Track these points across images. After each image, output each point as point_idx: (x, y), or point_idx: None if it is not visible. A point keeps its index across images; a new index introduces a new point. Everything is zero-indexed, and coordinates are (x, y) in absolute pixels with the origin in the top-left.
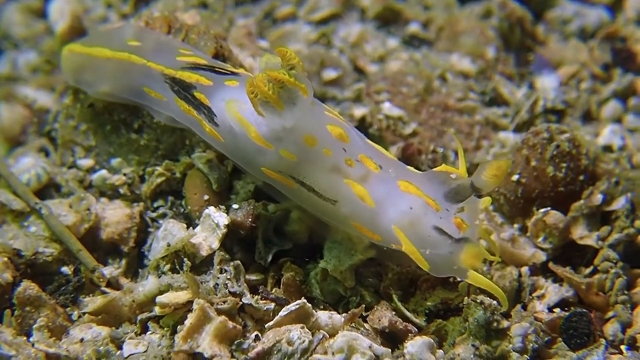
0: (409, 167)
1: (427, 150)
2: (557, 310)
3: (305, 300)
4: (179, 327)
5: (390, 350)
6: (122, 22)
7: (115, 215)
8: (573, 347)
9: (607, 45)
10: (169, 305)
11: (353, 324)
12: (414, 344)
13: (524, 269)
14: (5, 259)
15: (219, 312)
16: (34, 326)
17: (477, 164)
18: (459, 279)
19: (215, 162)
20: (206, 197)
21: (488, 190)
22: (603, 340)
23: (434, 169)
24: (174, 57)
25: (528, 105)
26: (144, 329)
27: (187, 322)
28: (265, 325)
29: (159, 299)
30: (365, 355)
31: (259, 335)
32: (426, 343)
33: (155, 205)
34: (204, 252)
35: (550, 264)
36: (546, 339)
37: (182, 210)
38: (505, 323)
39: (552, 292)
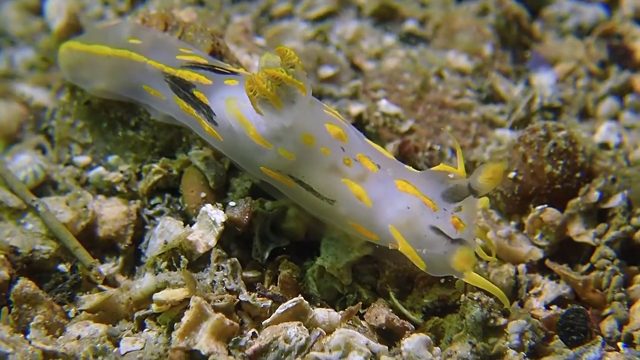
0: (407, 166)
1: (423, 148)
2: (554, 307)
3: (302, 298)
4: (176, 324)
5: (387, 347)
6: (118, 20)
7: (112, 213)
8: (570, 344)
9: (604, 42)
10: (165, 303)
11: (350, 322)
12: (411, 341)
13: (521, 267)
14: (2, 256)
15: (216, 309)
16: (31, 324)
17: (474, 162)
18: (455, 276)
19: (212, 160)
20: (203, 194)
21: (485, 193)
22: (600, 338)
23: (432, 168)
24: (174, 55)
25: (525, 103)
26: (141, 327)
27: (184, 320)
28: (263, 323)
29: (156, 296)
30: (362, 353)
31: (256, 332)
32: (423, 340)
33: (152, 202)
34: (201, 250)
35: (547, 262)
36: (543, 336)
37: (179, 207)
38: (502, 320)
39: (549, 289)
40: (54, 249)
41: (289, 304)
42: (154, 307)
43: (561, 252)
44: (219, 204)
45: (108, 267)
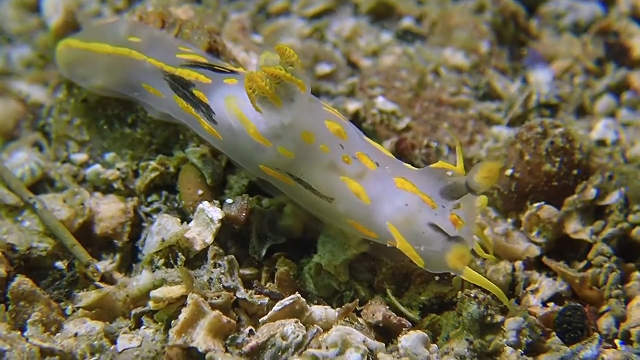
0: (406, 164)
1: (420, 145)
2: (551, 304)
3: (299, 295)
4: (173, 321)
5: (384, 344)
6: (116, 18)
7: (109, 210)
8: (567, 341)
9: (601, 40)
10: (163, 300)
11: (347, 319)
12: (408, 339)
13: (518, 264)
14: (0, 254)
15: (213, 306)
16: (29, 321)
17: (471, 159)
18: (452, 274)
19: (209, 157)
20: (200, 192)
21: (483, 191)
22: (597, 335)
23: (431, 166)
24: (174, 54)
25: (522, 100)
26: (138, 324)
27: (182, 317)
28: (260, 320)
29: (153, 293)
30: (359, 350)
31: (254, 330)
32: (420, 337)
33: (150, 200)
34: (198, 247)
35: (544, 259)
36: (540, 333)
37: (177, 205)
38: (499, 318)
39: (546, 286)
40: (51, 246)
41: (286, 301)
42: (151, 305)
43: (558, 249)
44: (217, 202)
45: (105, 265)
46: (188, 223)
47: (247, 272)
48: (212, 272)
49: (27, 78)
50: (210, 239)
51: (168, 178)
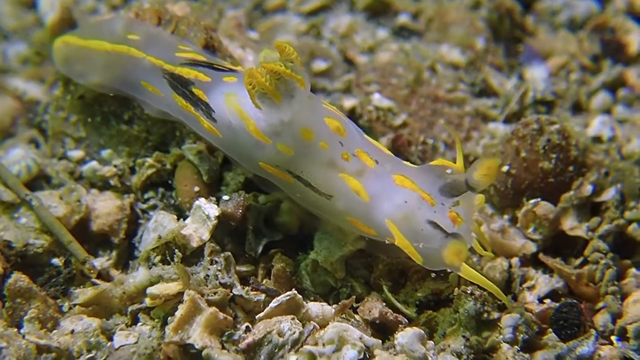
0: (405, 162)
1: (417, 142)
2: (547, 301)
3: (295, 292)
4: (169, 318)
5: (380, 341)
6: (112, 14)
7: (105, 207)
8: (563, 337)
9: (597, 36)
10: (159, 297)
11: (343, 315)
12: (405, 335)
13: (514, 260)
14: None
15: (210, 303)
16: (25, 318)
17: (467, 156)
18: (449, 270)
19: (205, 154)
20: (197, 188)
21: (482, 188)
22: (593, 331)
23: (430, 163)
24: (173, 52)
25: (517, 97)
26: (135, 321)
27: (178, 314)
28: (256, 317)
29: (150, 290)
30: (355, 346)
31: (250, 326)
32: (417, 334)
33: (146, 196)
34: (195, 244)
35: (541, 255)
36: (536, 329)
37: (173, 201)
38: (495, 314)
39: (543, 283)
40: (47, 243)
41: (283, 297)
42: (147, 301)
43: (554, 245)
44: (213, 198)
45: (102, 261)
46: (184, 219)
47: (243, 268)
48: (209, 269)
49: (23, 74)
50: (206, 236)
51: (164, 175)
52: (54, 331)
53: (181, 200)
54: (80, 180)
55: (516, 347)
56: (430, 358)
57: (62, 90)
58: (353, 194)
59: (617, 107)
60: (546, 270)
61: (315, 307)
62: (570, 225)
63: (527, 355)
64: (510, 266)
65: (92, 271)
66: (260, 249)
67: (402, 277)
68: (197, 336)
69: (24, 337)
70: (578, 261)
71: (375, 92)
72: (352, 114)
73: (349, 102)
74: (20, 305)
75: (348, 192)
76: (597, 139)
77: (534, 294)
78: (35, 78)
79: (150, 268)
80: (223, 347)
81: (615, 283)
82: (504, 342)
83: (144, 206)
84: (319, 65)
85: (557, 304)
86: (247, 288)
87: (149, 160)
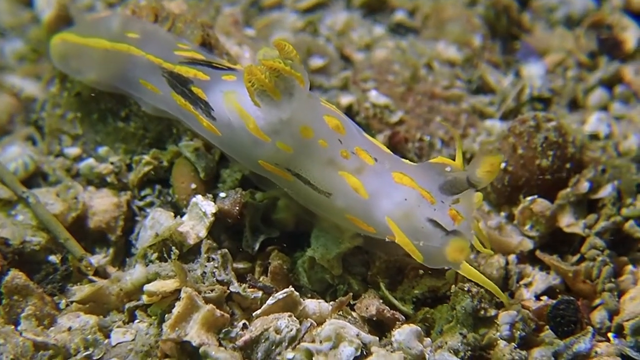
0: (404, 160)
1: (413, 139)
2: (544, 298)
3: (292, 289)
4: (166, 315)
5: (377, 338)
6: (108, 11)
7: (102, 204)
8: (560, 334)
9: (593, 33)
10: (156, 294)
11: (341, 312)
12: (402, 332)
13: (511, 257)
14: None
15: (207, 300)
16: (22, 315)
17: (463, 153)
18: (446, 267)
19: (202, 151)
20: (193, 185)
21: (484, 185)
22: (590, 328)
23: (430, 160)
24: (172, 50)
25: (514, 93)
26: (132, 318)
27: (175, 311)
28: (253, 314)
29: (147, 287)
30: (352, 344)
31: (247, 323)
32: (414, 331)
33: (143, 193)
34: (192, 241)
35: (537, 252)
36: (533, 326)
37: (170, 198)
38: (492, 311)
39: (539, 280)
40: (44, 240)
41: (280, 295)
42: (144, 299)
43: (551, 242)
44: (210, 195)
45: (98, 259)
46: (181, 217)
47: (240, 265)
48: (206, 266)
49: (19, 72)
50: (203, 233)
51: (161, 172)
52: (51, 328)
53: (178, 197)
54: (77, 178)
55: (513, 344)
56: (427, 355)
57: (58, 88)
58: (352, 191)
59: (613, 103)
60: (543, 267)
61: (313, 304)
62: (567, 222)
63: (524, 352)
64: (507, 263)
65: (89, 268)
66: (257, 246)
67: (399, 274)
68: (194, 333)
69: (21, 334)
70: (575, 258)
71: (372, 89)
72: (349, 111)
73: (345, 99)
74: (17, 303)
75: (347, 189)
76: (594, 136)
77: (531, 291)
78: (32, 75)
79: (147, 265)
80: (220, 345)
81: (612, 280)
82: (501, 339)
83: (141, 203)
84: (316, 62)
85: (554, 301)
86: (244, 285)
87: (146, 158)
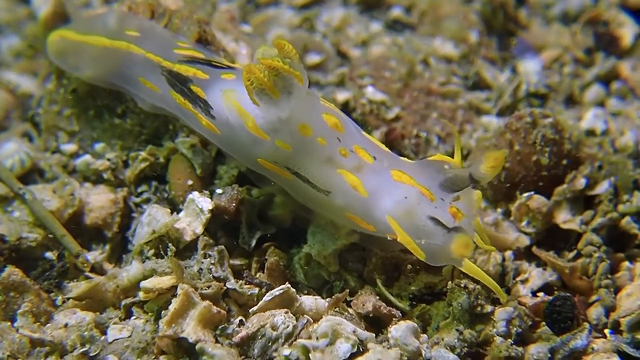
0: (403, 158)
1: (410, 135)
2: (540, 294)
3: (289, 285)
4: (163, 312)
5: (374, 334)
6: (105, 8)
7: (99, 201)
8: (557, 331)
9: (590, 29)
10: (153, 290)
11: (337, 309)
12: (398, 329)
13: (508, 253)
14: None
15: (203, 297)
16: (18, 311)
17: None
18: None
19: (199, 147)
20: (190, 182)
21: (487, 181)
22: (587, 324)
23: (429, 158)
24: (171, 49)
25: (511, 90)
26: (128, 314)
27: (172, 307)
28: (250, 310)
29: (143, 284)
30: (349, 340)
31: (243, 320)
32: (410, 327)
33: (139, 190)
34: (188, 237)
35: (534, 248)
36: (530, 323)
37: (166, 195)
38: (489, 307)
39: (536, 276)
40: (41, 236)
41: (276, 291)
42: (141, 295)
43: (548, 239)
44: (206, 192)
45: (95, 255)
46: (178, 213)
47: (237, 262)
48: (202, 262)
49: (16, 68)
50: (200, 229)
51: (157, 168)
52: (48, 325)
53: (174, 193)
54: (73, 174)
55: (509, 340)
56: (423, 351)
57: (55, 84)
58: (351, 189)
59: (610, 99)
60: (540, 264)
61: (309, 301)
62: (564, 218)
63: (520, 349)
64: (503, 259)
65: (85, 265)
66: (253, 243)
67: (395, 271)
68: (190, 330)
69: (17, 330)
70: (571, 254)
71: (368, 86)
72: (346, 108)
73: (342, 96)
74: (13, 299)
75: (346, 188)
76: (590, 132)
77: (528, 287)
78: (29, 72)
79: (143, 262)
80: (217, 341)
81: (609, 276)
82: (498, 335)
83: (138, 200)
84: (313, 58)
85: (551, 297)
86: (240, 282)
87: (142, 154)
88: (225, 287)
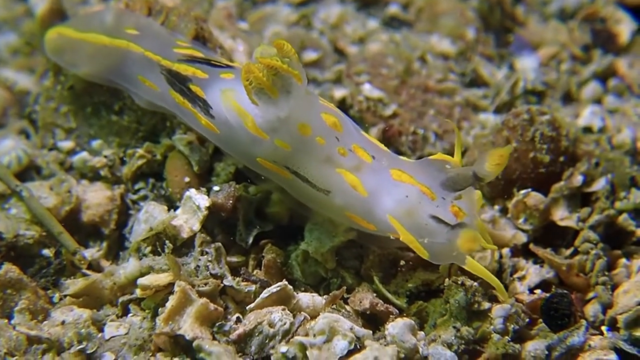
0: (402, 157)
1: (407, 132)
2: (538, 291)
3: (286, 282)
4: (160, 309)
5: (371, 331)
6: (102, 5)
7: (96, 198)
8: (554, 328)
9: (587, 26)
10: (150, 288)
11: (334, 306)
12: (395, 326)
13: (505, 250)
14: None
15: (200, 294)
16: (15, 309)
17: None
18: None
19: (196, 144)
20: (187, 179)
21: (491, 179)
22: (584, 321)
23: (429, 157)
24: (171, 48)
25: (508, 87)
26: (125, 311)
27: (169, 304)
28: (247, 307)
29: (140, 281)
30: (346, 337)
31: (240, 317)
32: (407, 324)
33: (136, 187)
34: (185, 234)
35: (531, 246)
36: (527, 320)
37: (163, 192)
38: (486, 304)
39: (533, 273)
40: (38, 234)
41: (273, 288)
42: (138, 292)
43: (545, 236)
44: (203, 189)
45: (92, 252)
46: (175, 210)
47: (234, 259)
48: (199, 260)
49: (13, 65)
50: (197, 226)
51: (155, 165)
52: (45, 322)
53: (172, 190)
54: (70, 171)
55: (507, 337)
56: (420, 348)
57: (52, 81)
58: (351, 189)
59: (607, 97)
60: (537, 261)
61: (306, 298)
62: (561, 215)
63: (517, 346)
64: (500, 256)
65: (82, 262)
66: (250, 240)
67: (392, 268)
68: (187, 327)
69: (14, 328)
70: (568, 251)
71: (365, 83)
72: (343, 105)
73: (339, 93)
74: (10, 296)
75: (345, 187)
76: (587, 129)
77: (525, 285)
78: (26, 68)
79: (140, 259)
80: (214, 338)
81: (606, 273)
82: (495, 332)
83: (135, 197)
84: (310, 55)
85: (548, 295)
86: (237, 279)
87: (139, 151)
88: (222, 284)
